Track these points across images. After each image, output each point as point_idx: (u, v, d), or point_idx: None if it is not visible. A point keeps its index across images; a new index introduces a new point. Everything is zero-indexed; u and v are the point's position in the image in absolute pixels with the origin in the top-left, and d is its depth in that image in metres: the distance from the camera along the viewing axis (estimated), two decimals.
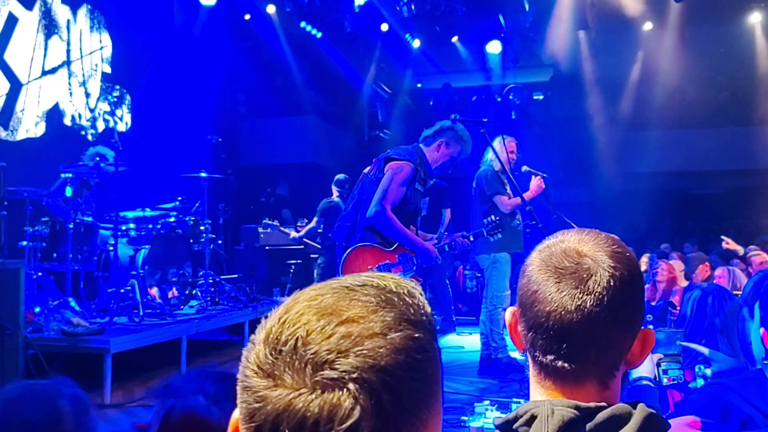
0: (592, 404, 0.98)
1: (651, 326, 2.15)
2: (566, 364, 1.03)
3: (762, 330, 1.40)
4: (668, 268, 6.62)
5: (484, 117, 4.97)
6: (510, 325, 1.14)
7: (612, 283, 1.02)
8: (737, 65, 13.39)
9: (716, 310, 2.65)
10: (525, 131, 7.02)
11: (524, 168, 6.30)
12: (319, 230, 8.64)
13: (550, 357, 1.04)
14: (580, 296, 1.01)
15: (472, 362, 6.74)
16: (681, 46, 12.78)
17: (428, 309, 0.75)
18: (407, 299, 0.72)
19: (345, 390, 0.63)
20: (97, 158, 6.03)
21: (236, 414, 0.70)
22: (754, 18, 13.10)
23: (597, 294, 1.01)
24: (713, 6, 11.88)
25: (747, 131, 13.55)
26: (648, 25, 12.74)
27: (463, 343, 8.06)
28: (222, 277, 7.89)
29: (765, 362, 1.42)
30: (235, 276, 8.61)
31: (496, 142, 6.30)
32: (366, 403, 0.63)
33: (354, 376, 0.64)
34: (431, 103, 14.91)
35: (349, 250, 4.46)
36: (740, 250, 7.04)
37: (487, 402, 5.08)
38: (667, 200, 14.03)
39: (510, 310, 1.14)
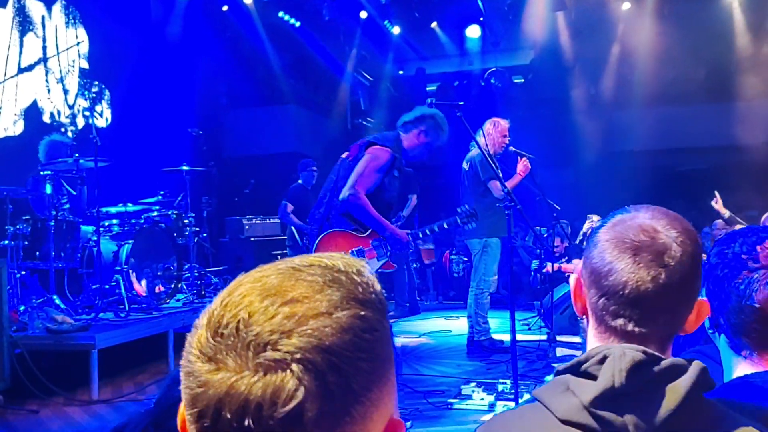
0: (656, 353, 1.09)
1: None
2: (636, 328, 1.14)
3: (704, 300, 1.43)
4: None
5: (465, 101, 4.97)
6: (574, 291, 1.24)
7: (683, 258, 1.14)
8: (717, 42, 13.40)
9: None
10: (507, 114, 7.02)
11: (511, 148, 6.31)
12: None
13: (620, 321, 1.14)
14: (657, 269, 1.12)
15: (459, 346, 6.78)
16: (660, 24, 12.80)
17: (378, 287, 0.73)
18: (355, 278, 0.71)
19: (288, 371, 0.61)
20: (77, 155, 5.98)
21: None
22: None
23: (671, 267, 1.13)
24: None
25: (729, 107, 13.60)
26: (626, 5, 12.75)
27: (451, 327, 8.10)
28: (208, 269, 7.89)
29: (709, 331, 1.45)
30: (221, 268, 8.61)
31: (488, 125, 6.32)
32: (310, 384, 0.62)
33: (297, 356, 0.62)
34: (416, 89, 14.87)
35: (321, 236, 4.44)
36: (726, 213, 7.17)
37: (473, 384, 5.12)
38: (652, 178, 14.07)
39: (574, 276, 1.25)
